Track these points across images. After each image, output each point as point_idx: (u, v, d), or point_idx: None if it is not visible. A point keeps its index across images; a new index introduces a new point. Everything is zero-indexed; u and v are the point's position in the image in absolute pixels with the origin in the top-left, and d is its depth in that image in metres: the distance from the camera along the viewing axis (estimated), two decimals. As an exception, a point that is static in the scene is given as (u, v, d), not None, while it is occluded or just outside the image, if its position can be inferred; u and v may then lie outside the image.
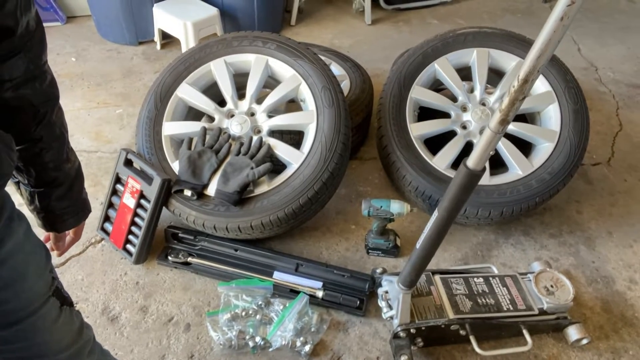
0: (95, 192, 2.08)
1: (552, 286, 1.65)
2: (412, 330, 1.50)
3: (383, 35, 3.35)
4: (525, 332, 1.58)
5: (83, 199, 1.02)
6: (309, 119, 1.80)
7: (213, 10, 2.82)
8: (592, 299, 1.77)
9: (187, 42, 2.75)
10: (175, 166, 1.80)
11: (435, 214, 1.24)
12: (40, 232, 0.92)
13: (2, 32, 0.69)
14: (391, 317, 1.56)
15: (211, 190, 1.74)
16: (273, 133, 1.86)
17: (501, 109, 0.98)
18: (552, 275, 1.67)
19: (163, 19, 2.81)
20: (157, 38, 2.94)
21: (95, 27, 3.06)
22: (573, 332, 1.60)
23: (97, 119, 2.44)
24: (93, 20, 3.06)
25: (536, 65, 0.90)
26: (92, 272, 1.78)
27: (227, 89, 1.89)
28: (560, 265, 1.90)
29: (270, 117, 1.86)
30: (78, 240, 1.10)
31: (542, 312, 1.60)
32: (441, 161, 1.88)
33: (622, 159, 2.40)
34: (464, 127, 1.96)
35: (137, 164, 1.79)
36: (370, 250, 1.88)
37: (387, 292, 1.61)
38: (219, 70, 1.91)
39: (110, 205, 1.85)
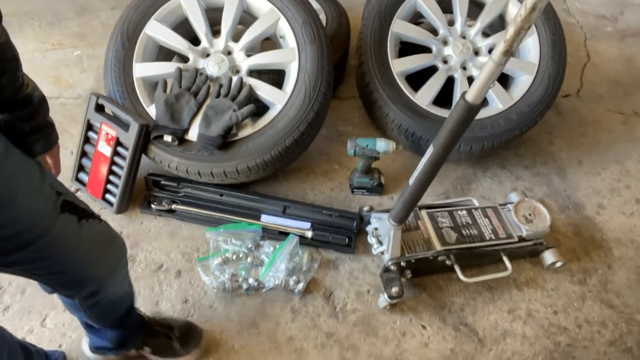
0: (64, 142, 1.92)
1: (530, 214, 1.73)
2: (402, 264, 1.55)
3: (353, -34, 3.20)
4: (505, 258, 1.67)
5: (50, 123, 0.98)
6: (290, 57, 1.73)
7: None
8: (565, 225, 1.88)
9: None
10: (151, 110, 1.71)
11: (430, 149, 1.25)
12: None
13: None
14: (382, 253, 1.60)
15: (192, 135, 1.68)
16: (252, 72, 1.78)
17: (505, 38, 0.97)
18: (530, 205, 1.75)
19: (116, -51, 2.56)
20: (110, -30, 2.69)
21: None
22: (548, 256, 1.70)
23: (54, 62, 2.26)
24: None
25: (545, -7, 0.88)
26: (71, 225, 1.72)
27: (200, 26, 1.77)
28: (535, 194, 1.98)
29: (248, 55, 1.77)
30: (58, 171, 1.05)
31: (521, 239, 1.69)
32: (423, 97, 1.87)
33: (591, 90, 2.47)
34: (445, 62, 1.94)
35: (110, 109, 1.69)
36: (355, 189, 1.90)
37: (376, 228, 1.64)
38: (189, 4, 1.77)
39: (84, 154, 1.76)
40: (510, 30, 0.95)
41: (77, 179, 1.78)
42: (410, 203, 1.41)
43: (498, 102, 1.88)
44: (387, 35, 1.92)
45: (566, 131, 2.26)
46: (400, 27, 1.93)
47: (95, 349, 1.35)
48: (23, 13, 2.47)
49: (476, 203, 1.84)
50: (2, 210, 0.77)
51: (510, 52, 0.99)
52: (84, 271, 0.97)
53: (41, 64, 2.23)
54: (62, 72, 2.21)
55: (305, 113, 1.67)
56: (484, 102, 1.94)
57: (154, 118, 1.69)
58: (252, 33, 1.76)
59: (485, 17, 1.95)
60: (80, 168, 1.77)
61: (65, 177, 1.82)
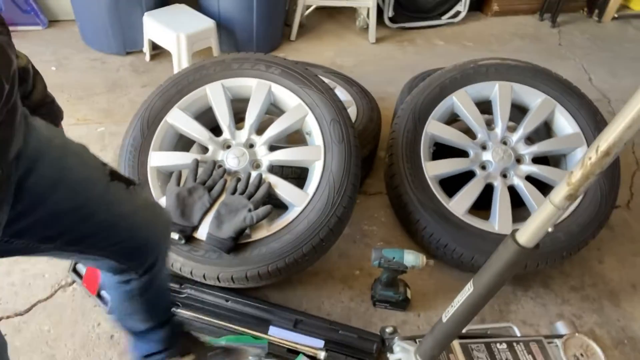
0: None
1: (582, 355, 1.48)
2: (429, 409, 1.30)
3: (388, 56, 3.18)
4: (552, 407, 1.40)
5: (52, 99, 1.02)
6: (315, 156, 1.61)
7: (209, 23, 2.62)
8: (621, 366, 1.60)
9: (180, 56, 2.54)
10: (162, 203, 1.58)
11: (470, 288, 1.06)
12: None
13: None
14: (405, 392, 1.36)
15: (202, 234, 1.53)
16: (273, 168, 1.66)
17: (570, 181, 0.80)
18: (582, 342, 1.50)
19: (154, 29, 2.60)
20: (146, 49, 2.72)
21: (80, 34, 2.83)
22: (604, 409, 1.42)
23: (76, 138, 2.15)
24: (77, 26, 2.82)
25: (623, 137, 0.72)
26: (60, 322, 1.55)
27: (224, 117, 1.69)
28: (584, 323, 1.73)
29: (271, 150, 1.66)
30: None
31: (572, 385, 1.42)
32: (459, 205, 1.70)
33: (643, 202, 2.25)
34: (483, 168, 1.79)
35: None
36: (377, 302, 1.69)
37: (400, 360, 1.41)
38: (215, 94, 1.70)
39: (85, 244, 1.62)
40: (577, 174, 0.79)
41: (75, 270, 1.64)
42: (442, 343, 1.19)
43: (542, 217, 1.68)
44: (421, 136, 1.79)
45: (617, 248, 2.02)
46: (436, 128, 1.81)
47: (143, 358, 1.27)
48: (55, 85, 2.48)
49: (517, 332, 1.60)
50: (64, 183, 0.81)
51: (575, 196, 0.82)
52: (144, 235, 1.01)
53: (63, 139, 2.18)
54: (82, 149, 2.15)
55: (327, 218, 1.52)
56: (522, 208, 1.77)
57: (163, 211, 1.57)
58: (277, 128, 1.65)
59: (529, 124, 1.81)
60: (74, 270, 1.64)
61: (63, 267, 1.68)
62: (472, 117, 1.82)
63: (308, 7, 3.10)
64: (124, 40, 2.71)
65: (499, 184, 1.74)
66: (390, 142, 1.81)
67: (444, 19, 3.54)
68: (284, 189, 1.58)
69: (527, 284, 1.83)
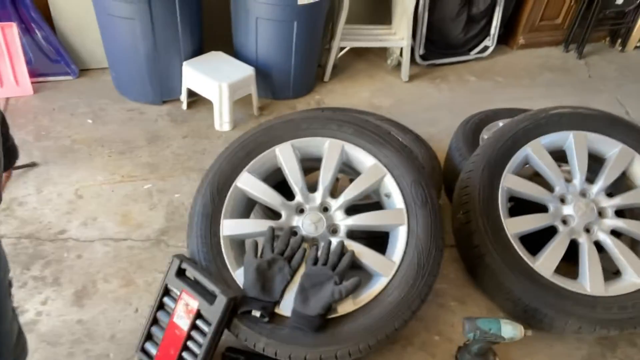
0: (128, 295, 1.74)
1: None
2: None
3: (423, 94, 3.14)
4: None
5: (12, 141, 1.09)
6: (398, 220, 1.52)
7: (249, 70, 2.56)
8: None
9: (221, 105, 2.48)
10: (238, 275, 1.49)
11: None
12: None
13: None
14: None
15: (284, 309, 1.43)
16: (352, 233, 1.57)
17: None
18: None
19: (194, 78, 2.54)
20: (183, 97, 2.65)
21: (113, 83, 2.76)
22: None
23: (123, 197, 2.11)
24: (111, 75, 2.76)
25: None
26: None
27: (296, 179, 1.60)
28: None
29: (348, 213, 1.58)
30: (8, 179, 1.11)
31: None
32: (545, 265, 1.62)
33: None
34: (565, 222, 1.71)
35: (193, 275, 1.47)
36: (465, 373, 1.58)
37: None
38: (286, 156, 1.62)
39: (155, 321, 1.52)
40: None
41: (143, 350, 1.52)
42: None
43: (633, 274, 1.61)
44: (498, 191, 1.71)
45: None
46: (512, 182, 1.73)
47: None
48: (93, 140, 2.40)
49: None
50: None
51: None
52: None
53: (110, 198, 2.09)
54: (131, 209, 2.06)
55: (418, 289, 1.43)
56: (617, 273, 1.69)
57: (240, 285, 1.47)
58: (354, 190, 1.57)
59: (609, 176, 1.74)
60: (149, 337, 1.52)
61: (128, 344, 1.58)
62: (549, 169, 1.75)
63: (341, 48, 3.06)
64: (161, 89, 2.64)
65: (584, 241, 1.66)
66: (464, 199, 1.73)
67: (473, 54, 3.52)
68: (368, 257, 1.49)
69: (614, 343, 1.73)
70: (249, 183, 1.60)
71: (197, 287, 1.45)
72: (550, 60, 3.73)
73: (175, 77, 2.62)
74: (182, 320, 1.45)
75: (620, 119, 1.84)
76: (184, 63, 2.55)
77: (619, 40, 3.94)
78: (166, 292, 1.51)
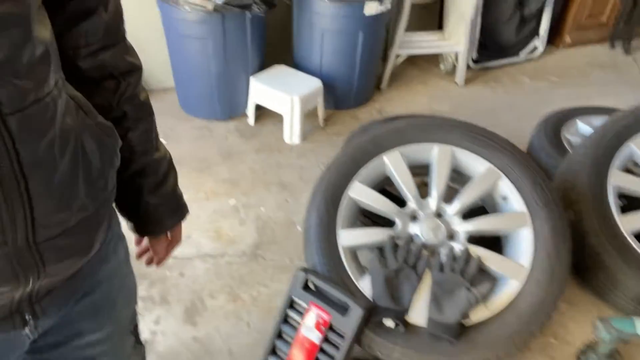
0: (237, 310, 1.73)
1: None
2: None
3: (479, 97, 3.13)
4: None
5: (178, 195, 0.90)
6: (519, 222, 1.50)
7: (317, 82, 2.57)
8: None
9: (293, 117, 2.48)
10: (362, 286, 1.47)
11: None
12: None
13: None
14: None
15: (415, 317, 1.41)
16: (470, 239, 1.56)
17: None
18: None
19: (263, 93, 2.55)
20: (251, 113, 2.66)
21: (179, 102, 2.78)
22: None
23: (211, 213, 2.11)
24: (176, 95, 2.78)
25: None
26: None
27: (408, 186, 1.59)
28: None
29: (464, 218, 1.56)
30: (178, 244, 0.94)
31: None
32: (667, 262, 1.58)
33: None
34: (679, 217, 1.68)
35: (321, 287, 1.46)
36: (594, 376, 1.55)
37: None
38: (395, 164, 1.61)
39: (279, 335, 1.50)
40: None
41: (268, 365, 1.50)
42: None
43: None
44: (607, 189, 1.69)
45: None
46: (621, 180, 1.71)
47: None
48: (170, 159, 2.41)
49: None
50: (100, 315, 0.75)
51: None
52: None
53: (199, 215, 2.09)
54: (222, 225, 2.06)
55: (553, 294, 1.40)
56: None
57: (366, 295, 1.45)
58: (470, 194, 1.56)
59: None
60: (273, 351, 1.51)
61: (246, 357, 1.56)
62: (656, 164, 1.73)
63: (397, 56, 3.07)
64: (228, 105, 2.66)
65: None
66: (573, 198, 1.71)
67: (522, 55, 3.51)
68: (495, 261, 1.47)
69: None
70: (361, 192, 1.59)
71: (326, 300, 1.43)
72: (598, 57, 3.72)
73: (241, 92, 2.63)
74: (312, 333, 1.43)
75: None
76: (251, 78, 2.57)
77: (664, 35, 3.92)
78: (290, 305, 1.49)
